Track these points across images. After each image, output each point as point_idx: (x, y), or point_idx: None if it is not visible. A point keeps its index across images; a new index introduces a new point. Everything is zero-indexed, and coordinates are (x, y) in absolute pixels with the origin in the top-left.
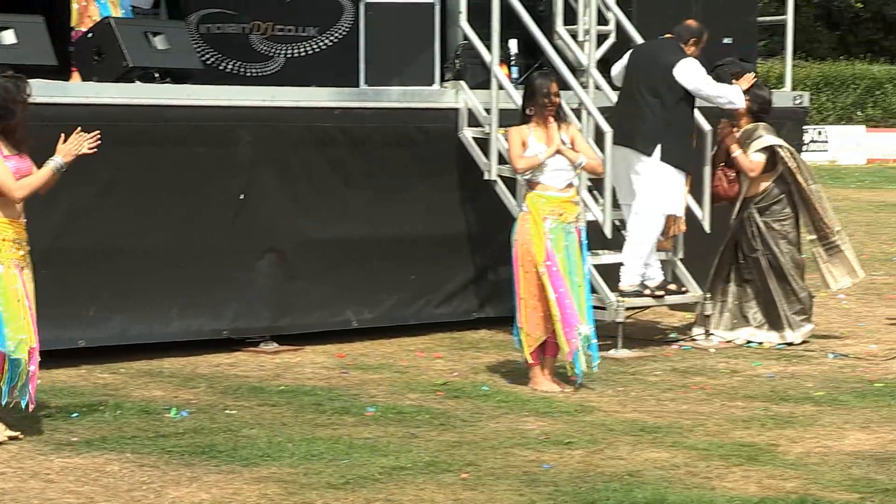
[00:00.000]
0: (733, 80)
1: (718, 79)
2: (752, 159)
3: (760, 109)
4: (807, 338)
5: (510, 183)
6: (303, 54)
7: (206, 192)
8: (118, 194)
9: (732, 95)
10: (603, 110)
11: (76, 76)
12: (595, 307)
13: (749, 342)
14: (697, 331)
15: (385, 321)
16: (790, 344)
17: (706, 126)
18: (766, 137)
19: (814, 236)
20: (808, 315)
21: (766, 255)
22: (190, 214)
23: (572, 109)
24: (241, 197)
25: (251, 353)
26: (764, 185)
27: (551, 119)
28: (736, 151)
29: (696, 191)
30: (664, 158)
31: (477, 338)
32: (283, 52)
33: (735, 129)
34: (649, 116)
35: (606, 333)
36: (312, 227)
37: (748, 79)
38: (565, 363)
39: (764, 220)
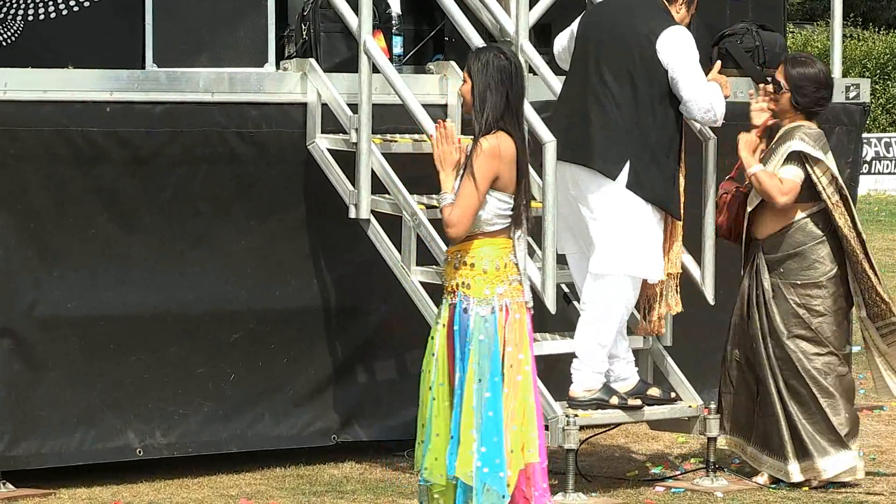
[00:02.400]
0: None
1: (723, 59)
2: (783, 177)
3: (814, 101)
4: (852, 474)
5: (391, 223)
6: (52, 15)
7: None
8: None
9: (715, 101)
10: (540, 107)
11: None
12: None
13: (777, 481)
14: (695, 464)
15: (188, 448)
16: (826, 485)
17: (708, 133)
18: (798, 143)
19: (862, 312)
20: (851, 437)
21: (777, 355)
22: None
23: None
24: None
25: None
26: (787, 222)
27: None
28: (753, 166)
29: (692, 239)
30: (634, 187)
31: (339, 476)
32: (19, 11)
33: (761, 130)
34: (613, 117)
35: (553, 467)
36: (68, 296)
37: (725, 82)
38: None
39: (777, 282)
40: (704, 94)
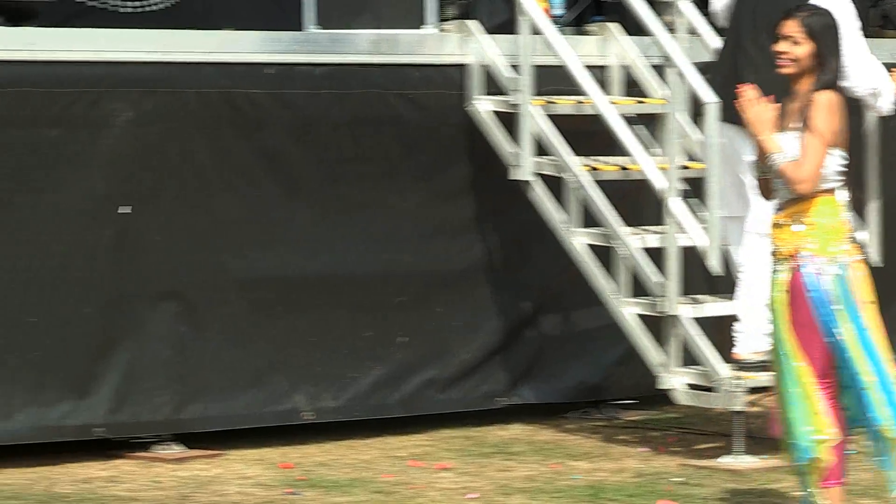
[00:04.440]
0: (892, 71)
1: (884, 21)
2: None
3: None
4: None
5: (555, 184)
6: None
7: (58, 202)
8: None
9: (882, 84)
10: (702, 68)
11: None
12: (697, 387)
13: None
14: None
15: (357, 412)
16: None
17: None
18: None
19: None
20: None
21: None
22: (29, 239)
23: (653, 67)
24: (123, 210)
25: (140, 462)
26: None
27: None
28: None
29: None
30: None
31: (507, 437)
32: None
33: None
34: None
35: (717, 429)
36: (234, 258)
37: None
38: None
39: None
40: (862, 64)
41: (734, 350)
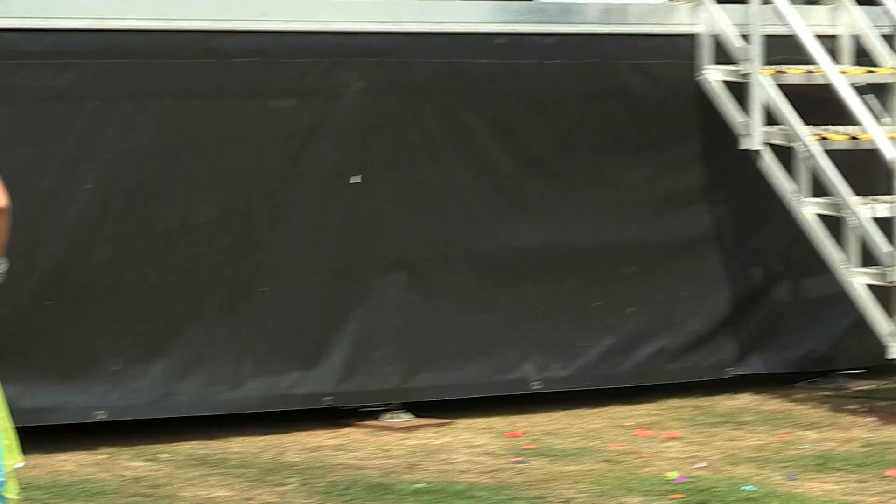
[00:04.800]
0: None
1: None
2: None
3: None
4: None
5: (784, 154)
6: None
7: (288, 175)
8: (153, 179)
9: None
10: None
11: None
12: None
13: None
14: None
15: (585, 381)
16: None
17: None
18: None
19: None
20: None
21: None
22: (266, 209)
23: (883, 36)
24: (354, 180)
25: (369, 430)
26: None
27: None
28: None
29: None
30: None
31: (735, 407)
32: None
33: None
34: None
35: None
36: (465, 229)
37: None
38: None
39: None
40: None
41: None
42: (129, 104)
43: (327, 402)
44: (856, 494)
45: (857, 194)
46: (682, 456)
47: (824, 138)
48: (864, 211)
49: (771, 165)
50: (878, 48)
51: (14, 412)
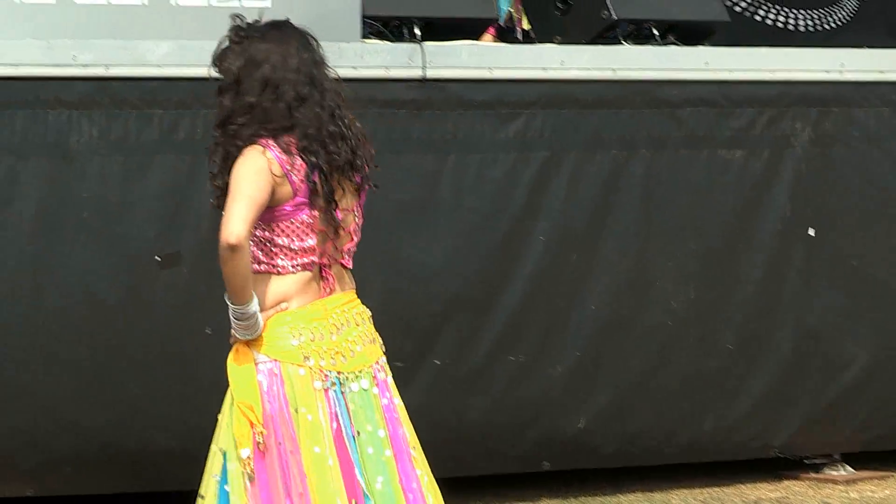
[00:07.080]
0: None
1: None
2: None
3: None
4: None
5: None
6: None
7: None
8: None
9: None
10: None
11: (489, 36)
12: None
13: None
14: None
15: None
16: None
17: None
18: None
19: None
20: None
21: None
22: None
23: None
24: (811, 232)
25: (811, 482)
26: None
27: None
28: None
29: None
30: None
31: None
32: None
33: None
34: None
35: None
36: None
37: None
38: None
39: None
40: None
41: None
42: (574, 155)
43: (774, 452)
44: None
45: None
46: None
47: None
48: None
49: None
50: None
51: None
